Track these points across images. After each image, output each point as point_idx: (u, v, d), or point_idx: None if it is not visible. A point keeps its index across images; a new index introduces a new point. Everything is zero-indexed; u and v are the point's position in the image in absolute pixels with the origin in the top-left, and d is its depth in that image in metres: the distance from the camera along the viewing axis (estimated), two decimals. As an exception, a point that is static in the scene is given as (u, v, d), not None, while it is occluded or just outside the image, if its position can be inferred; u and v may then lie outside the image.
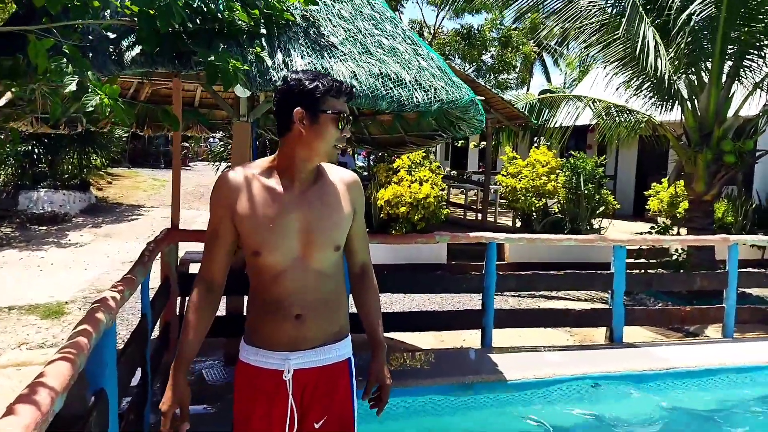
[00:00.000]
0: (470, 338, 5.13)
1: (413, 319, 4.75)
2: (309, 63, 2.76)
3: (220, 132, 7.80)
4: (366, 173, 14.73)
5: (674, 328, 5.78)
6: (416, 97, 2.87)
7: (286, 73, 2.72)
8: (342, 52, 2.90)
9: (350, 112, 1.71)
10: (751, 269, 7.45)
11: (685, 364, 4.30)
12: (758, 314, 5.46)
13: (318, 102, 1.61)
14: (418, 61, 3.08)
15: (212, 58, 2.44)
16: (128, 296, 2.32)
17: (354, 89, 1.72)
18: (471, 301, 6.61)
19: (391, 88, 2.83)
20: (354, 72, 2.80)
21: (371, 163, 17.74)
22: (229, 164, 11.48)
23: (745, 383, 4.22)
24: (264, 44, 2.71)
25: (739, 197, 10.86)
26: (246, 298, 4.19)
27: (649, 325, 5.54)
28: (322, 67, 2.78)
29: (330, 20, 3.03)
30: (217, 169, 12.06)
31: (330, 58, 2.83)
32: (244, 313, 4.16)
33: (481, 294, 4.56)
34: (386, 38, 3.11)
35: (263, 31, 2.73)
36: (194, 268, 4.82)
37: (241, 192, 1.66)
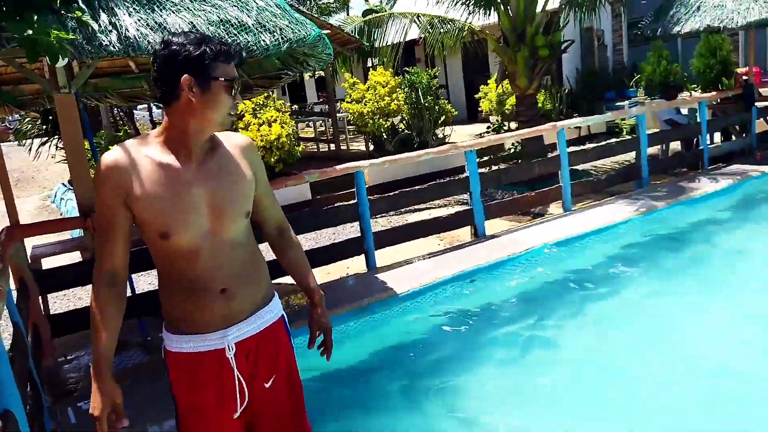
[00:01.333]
0: (353, 265, 5.33)
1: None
2: (139, 19, 2.54)
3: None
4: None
5: (524, 213, 6.49)
6: (263, 41, 2.79)
7: (115, 34, 2.48)
8: (172, 2, 2.69)
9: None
10: (573, 148, 8.48)
11: (540, 241, 4.92)
12: (587, 186, 6.33)
13: (208, 68, 1.49)
14: (255, 1, 2.95)
15: (29, 32, 2.14)
16: (2, 308, 2.10)
17: (240, 48, 1.62)
18: (344, 231, 6.80)
19: (235, 35, 2.72)
20: (192, 23, 2.64)
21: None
22: (46, 140, 10.20)
23: (594, 244, 4.95)
24: (83, 6, 2.43)
25: (553, 86, 12.10)
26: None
27: (505, 215, 6.16)
28: (155, 22, 2.58)
29: (149, -32, 2.77)
30: (30, 149, 10.64)
31: (161, 10, 2.62)
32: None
33: (356, 222, 4.73)
34: (216, -20, 2.92)
35: (78, -10, 2.44)
36: (47, 263, 4.40)
37: (134, 173, 1.53)
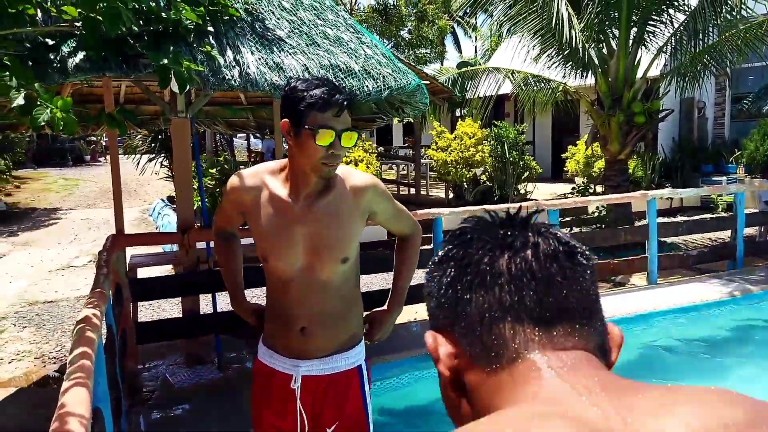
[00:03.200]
0: (421, 311, 5.33)
1: (368, 298, 4.86)
2: (260, 59, 2.76)
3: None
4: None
5: (603, 280, 6.25)
6: (367, 86, 2.94)
7: (237, 70, 2.71)
8: (290, 45, 2.91)
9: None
10: (662, 219, 8.14)
11: (620, 311, 4.72)
12: (675, 260, 6.03)
13: (301, 115, 1.53)
14: (363, 49, 3.14)
15: (165, 61, 2.39)
16: (104, 311, 2.29)
17: (351, 98, 1.59)
18: (416, 275, 6.82)
19: (342, 79, 2.89)
20: (305, 65, 2.83)
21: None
22: (153, 157, 11.03)
23: (678, 322, 4.69)
24: (212, 42, 2.68)
25: (646, 153, 11.74)
26: (200, 299, 4.17)
27: (583, 280, 5.96)
28: (274, 62, 2.79)
29: (273, 12, 3.03)
30: (138, 164, 11.52)
31: (279, 52, 2.84)
32: (200, 312, 4.18)
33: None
34: (330, 28, 3.14)
35: (210, 28, 2.70)
36: (143, 273, 4.71)
37: (252, 196, 1.69)
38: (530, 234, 0.63)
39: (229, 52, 2.70)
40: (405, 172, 13.15)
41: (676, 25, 7.08)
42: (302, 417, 1.71)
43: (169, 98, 3.99)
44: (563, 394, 0.54)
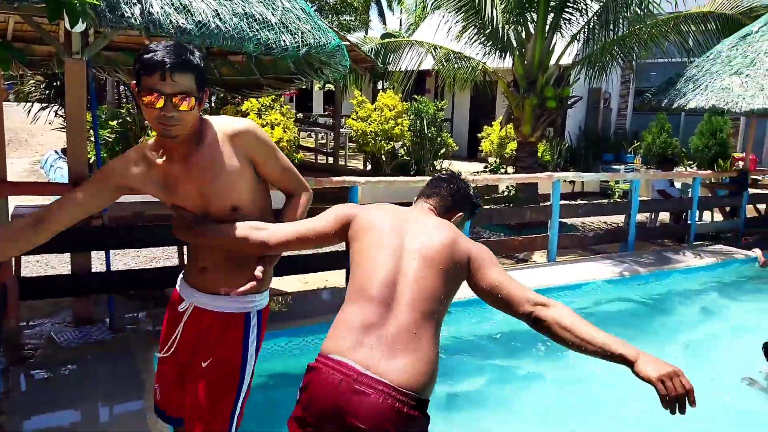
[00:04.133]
0: (332, 278, 5.31)
1: (278, 264, 4.76)
2: (166, -1, 2.55)
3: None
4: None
5: (507, 256, 6.52)
6: (284, 41, 2.81)
7: (139, 8, 2.50)
8: (201, -13, 2.71)
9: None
10: (565, 201, 8.59)
11: (520, 286, 4.93)
12: (573, 240, 6.39)
13: (138, 78, 1.61)
14: (281, 1, 2.99)
15: (54, -12, 2.15)
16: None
17: (183, 63, 1.59)
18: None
19: (257, 30, 2.74)
20: (216, 11, 2.65)
21: (212, 105, 16.78)
22: (46, 105, 10.13)
23: (572, 298, 4.97)
24: (113, -26, 2.44)
25: (554, 138, 12.29)
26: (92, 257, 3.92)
27: (489, 255, 6.18)
28: (180, 4, 2.59)
29: (184, -50, 2.80)
30: (29, 111, 10.54)
31: (189, -6, 2.64)
32: (91, 271, 3.92)
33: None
34: (247, -25, 2.96)
35: (110, -41, 2.45)
36: (26, 225, 4.33)
37: (133, 178, 1.76)
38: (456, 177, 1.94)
39: (132, -13, 2.47)
40: (324, 141, 12.97)
41: (590, 14, 7.37)
42: (178, 334, 1.87)
43: (64, 38, 3.63)
44: (412, 207, 1.87)
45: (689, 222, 7.12)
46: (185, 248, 2.07)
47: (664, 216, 8.68)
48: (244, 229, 1.71)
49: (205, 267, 1.84)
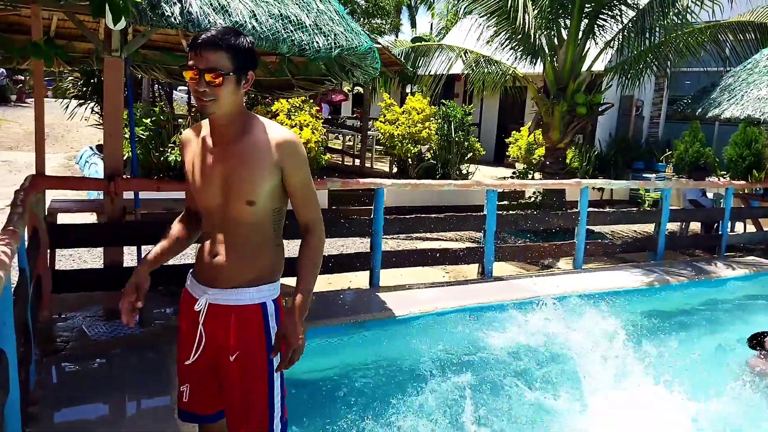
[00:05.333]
0: (356, 279, 5.33)
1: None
2: (205, -1, 2.60)
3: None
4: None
5: (533, 262, 6.47)
6: (317, 42, 2.85)
7: (179, 7, 2.56)
8: (238, -11, 2.76)
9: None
10: (592, 209, 8.48)
11: (546, 292, 4.88)
12: (601, 248, 6.31)
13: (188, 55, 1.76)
14: (316, 3, 3.03)
15: (99, -13, 2.22)
16: (17, 250, 2.13)
17: (216, 40, 1.71)
18: (353, 244, 6.81)
19: (291, 31, 2.78)
20: (253, 12, 2.70)
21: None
22: (83, 101, 10.38)
23: (600, 306, 4.90)
24: (154, -25, 2.50)
25: (584, 145, 12.13)
26: (124, 252, 4.00)
27: (514, 260, 6.15)
28: (219, 4, 2.65)
29: (223, -47, 2.86)
30: (67, 108, 10.82)
31: (227, -5, 2.69)
32: (123, 266, 4.00)
33: (368, 237, 4.74)
34: (283, -23, 3.00)
35: (153, -40, 2.52)
36: (63, 218, 4.45)
37: (189, 148, 1.91)
38: None
39: (172, -12, 2.53)
40: (351, 143, 13.03)
41: (625, 21, 7.27)
42: (201, 338, 1.88)
43: (104, 35, 3.74)
44: None
45: (721, 233, 6.97)
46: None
47: (695, 226, 8.51)
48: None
49: (215, 258, 1.87)
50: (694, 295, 5.50)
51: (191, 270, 1.97)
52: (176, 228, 2.04)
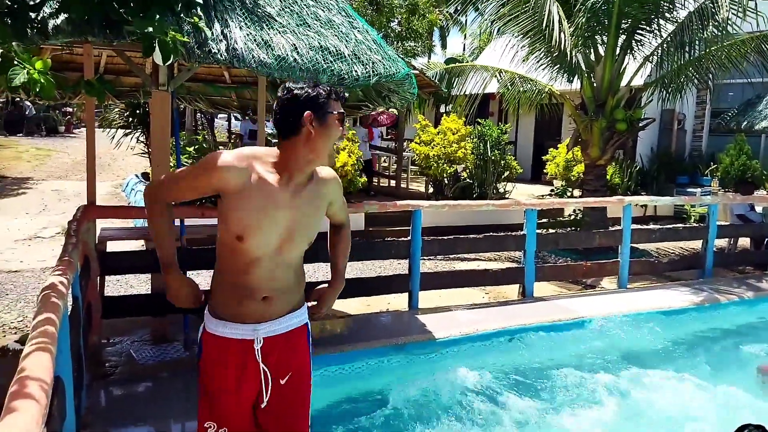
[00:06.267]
0: (394, 301, 5.33)
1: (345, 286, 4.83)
2: (248, 35, 2.70)
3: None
4: (276, 140, 14.42)
5: (574, 282, 6.34)
6: (356, 71, 2.91)
7: (224, 44, 2.65)
8: (279, 23, 2.86)
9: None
10: (636, 225, 8.28)
11: (590, 313, 4.78)
12: (646, 266, 6.14)
13: (324, 105, 1.78)
14: (354, 34, 3.10)
15: (150, 29, 2.32)
16: (71, 280, 2.23)
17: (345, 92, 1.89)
18: (391, 266, 6.82)
19: (331, 62, 2.85)
20: (294, 45, 2.78)
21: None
22: (129, 131, 10.80)
23: (642, 327, 4.77)
24: (200, 13, 2.61)
25: (625, 161, 11.91)
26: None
27: (556, 280, 6.05)
28: (262, 39, 2.74)
29: (264, -11, 2.96)
30: (113, 137, 11.26)
31: (269, 29, 2.78)
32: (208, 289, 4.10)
33: (406, 259, 4.75)
34: (322, 10, 3.10)
35: (199, -1, 2.63)
36: (112, 246, 4.61)
37: (240, 178, 1.77)
38: None
39: (217, 26, 2.63)
40: (386, 164, 13.12)
41: (664, 35, 7.16)
42: (266, 375, 1.89)
43: (151, 70, 3.90)
44: None
45: (773, 249, 6.70)
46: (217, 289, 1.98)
47: (744, 242, 8.21)
48: None
49: (267, 297, 1.87)
50: (745, 314, 5.28)
51: (212, 312, 1.92)
52: (169, 223, 2.01)
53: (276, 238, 1.82)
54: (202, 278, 5.78)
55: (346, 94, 1.84)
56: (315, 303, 2.14)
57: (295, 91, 1.80)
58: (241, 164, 1.78)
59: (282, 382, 1.93)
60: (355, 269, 6.74)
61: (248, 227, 1.78)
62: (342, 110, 1.85)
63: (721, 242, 7.76)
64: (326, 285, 2.18)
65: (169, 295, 1.96)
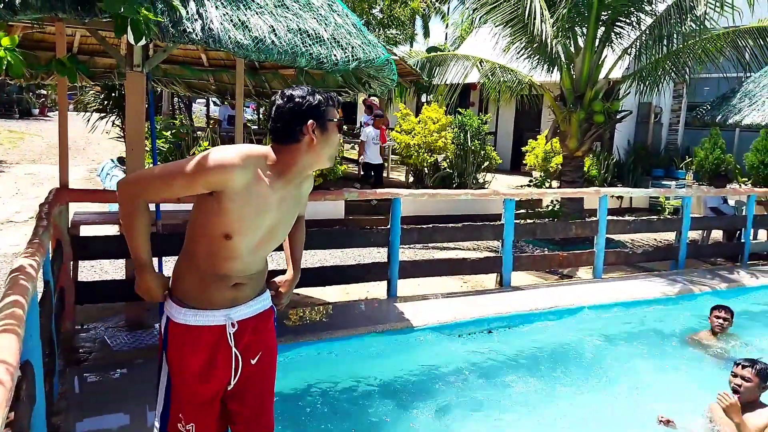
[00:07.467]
0: (373, 290, 5.33)
1: (323, 274, 4.84)
2: (225, 14, 2.65)
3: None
4: (255, 126, 14.28)
5: (551, 271, 6.41)
6: (335, 55, 2.88)
7: (200, 23, 2.60)
8: (257, 4, 2.81)
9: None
10: (612, 217, 8.39)
11: (565, 302, 4.85)
12: (621, 257, 6.23)
13: (324, 113, 1.81)
14: (334, 17, 3.06)
15: (121, 9, 2.27)
16: (43, 263, 2.17)
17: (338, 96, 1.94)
18: (370, 254, 6.82)
19: (310, 45, 2.81)
20: (272, 26, 2.74)
21: (260, 116, 17.13)
22: (104, 115, 10.56)
23: (621, 316, 4.85)
24: (176, -8, 2.55)
25: (602, 153, 12.04)
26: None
27: (533, 270, 6.11)
28: (239, 20, 2.69)
29: (242, -31, 2.90)
30: (88, 121, 11.01)
31: (246, 9, 2.73)
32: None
33: (385, 247, 4.75)
34: (301, -8, 3.04)
35: (174, -23, 2.57)
36: (86, 231, 4.52)
37: (245, 177, 1.74)
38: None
39: (192, 4, 2.58)
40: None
41: (643, 28, 7.22)
42: (237, 360, 1.90)
43: (126, 51, 3.81)
44: None
45: (743, 241, 6.85)
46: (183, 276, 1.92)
47: (717, 234, 8.38)
48: None
49: (237, 284, 1.88)
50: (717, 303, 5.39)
51: (180, 301, 1.87)
52: (148, 224, 1.86)
53: (260, 237, 1.86)
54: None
55: (341, 100, 1.89)
56: (274, 294, 2.16)
57: (296, 99, 1.79)
58: (245, 165, 1.73)
59: (253, 362, 1.97)
60: (334, 257, 6.73)
61: (240, 228, 1.78)
62: (339, 116, 1.88)
63: (695, 234, 7.91)
64: (284, 276, 2.20)
65: (139, 290, 1.90)
